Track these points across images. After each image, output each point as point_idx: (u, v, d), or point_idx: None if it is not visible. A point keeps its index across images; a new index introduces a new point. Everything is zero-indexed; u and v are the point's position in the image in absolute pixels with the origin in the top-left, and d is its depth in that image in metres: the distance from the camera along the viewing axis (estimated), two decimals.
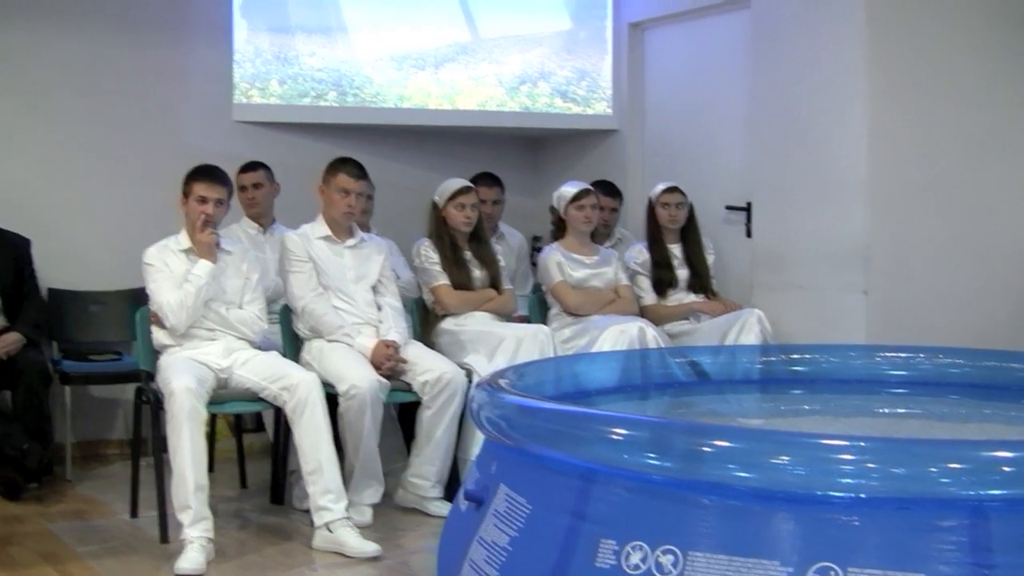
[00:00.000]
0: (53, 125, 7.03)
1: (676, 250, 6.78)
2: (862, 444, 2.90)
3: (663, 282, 6.70)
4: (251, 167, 6.73)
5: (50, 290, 6.86)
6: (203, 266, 5.48)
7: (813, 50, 6.52)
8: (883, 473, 2.82)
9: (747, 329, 6.24)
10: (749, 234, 7.01)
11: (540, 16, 8.11)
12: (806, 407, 5.27)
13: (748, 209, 7.02)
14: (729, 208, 7.14)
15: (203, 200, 5.51)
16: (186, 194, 5.56)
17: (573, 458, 3.30)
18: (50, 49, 7.01)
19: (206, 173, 5.57)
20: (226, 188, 5.63)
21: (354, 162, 5.90)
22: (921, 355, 5.19)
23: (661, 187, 6.79)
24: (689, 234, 6.82)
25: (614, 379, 5.01)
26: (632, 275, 6.69)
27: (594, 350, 5.94)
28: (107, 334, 6.96)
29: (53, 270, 6.83)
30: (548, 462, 3.40)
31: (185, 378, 5.10)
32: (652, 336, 6.03)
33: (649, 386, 5.15)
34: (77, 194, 7.05)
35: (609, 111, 8.14)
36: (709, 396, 5.20)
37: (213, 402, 5.28)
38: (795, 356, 5.38)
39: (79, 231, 7.03)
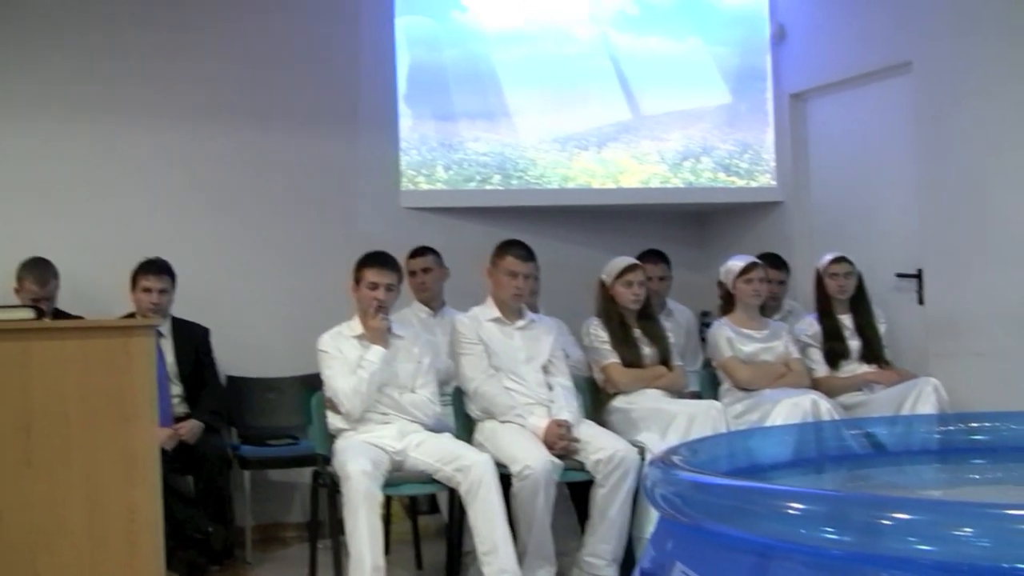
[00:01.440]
0: (229, 218, 7.25)
1: (847, 320, 6.68)
2: None
3: (835, 353, 6.61)
4: (420, 252, 6.86)
5: (228, 377, 7.04)
6: (375, 352, 5.58)
7: (980, 111, 6.44)
8: None
9: (923, 398, 6.11)
10: (921, 301, 6.90)
11: (700, 91, 8.13)
12: (988, 476, 5.13)
13: (919, 276, 6.91)
14: (899, 275, 7.03)
15: (374, 286, 5.63)
16: (357, 280, 5.69)
17: (749, 534, 3.26)
18: (225, 144, 7.25)
19: (376, 259, 5.70)
20: (396, 273, 5.74)
21: (521, 244, 5.97)
22: None
23: (829, 257, 6.72)
24: (859, 304, 6.72)
25: (788, 453, 4.93)
26: (803, 347, 6.61)
27: (767, 424, 5.88)
28: (284, 419, 7.08)
29: (231, 358, 7.01)
30: (724, 539, 3.36)
31: (361, 461, 5.19)
32: (826, 408, 5.95)
33: (824, 459, 5.06)
34: (253, 283, 7.24)
35: (773, 183, 8.11)
36: (886, 468, 5.09)
37: (388, 484, 5.36)
38: (974, 424, 5.23)
39: (256, 319, 7.20)
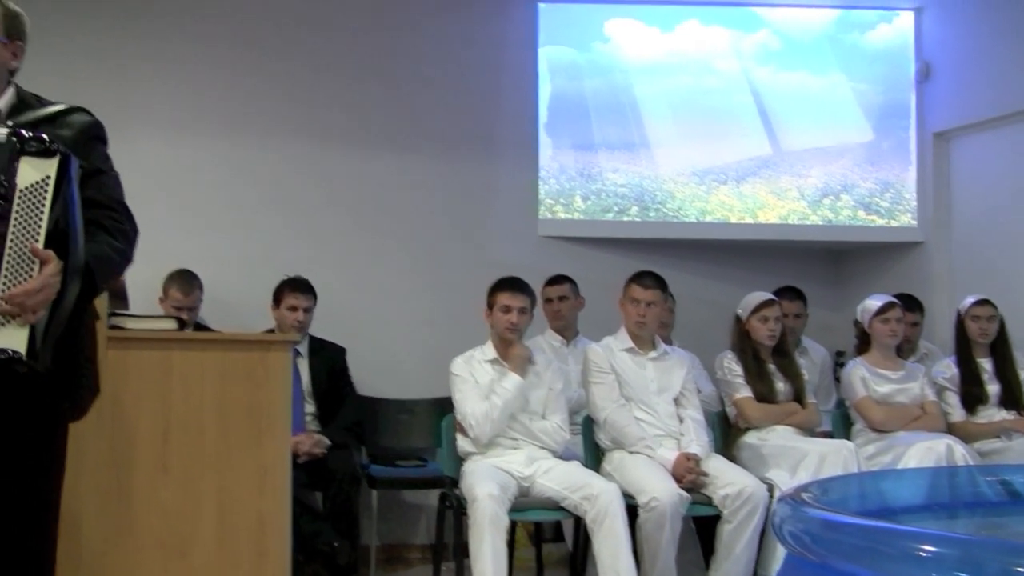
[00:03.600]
0: (369, 239, 7.36)
1: (986, 364, 6.55)
2: None
3: (973, 398, 6.48)
4: (557, 280, 6.90)
5: (361, 396, 7.09)
6: (513, 380, 5.60)
7: None
8: None
9: None
10: None
11: (842, 128, 8.05)
12: None
13: None
14: None
15: (507, 309, 5.67)
16: (491, 305, 5.74)
17: (879, 575, 3.22)
18: (367, 169, 7.37)
19: (509, 283, 5.74)
20: (529, 297, 5.77)
21: (649, 274, 5.98)
22: None
23: (971, 300, 6.60)
24: (1000, 348, 6.58)
25: (920, 497, 4.84)
26: (939, 391, 6.50)
27: (900, 467, 5.80)
28: (414, 440, 7.13)
29: (365, 377, 7.07)
30: None
31: (489, 485, 5.21)
32: (961, 453, 5.83)
33: (957, 505, 4.96)
34: (390, 305, 7.32)
35: (913, 223, 7.98)
36: (1021, 517, 4.98)
37: (514, 510, 5.36)
38: None
39: (391, 341, 7.29)
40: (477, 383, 5.69)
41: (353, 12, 7.43)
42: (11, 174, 2.91)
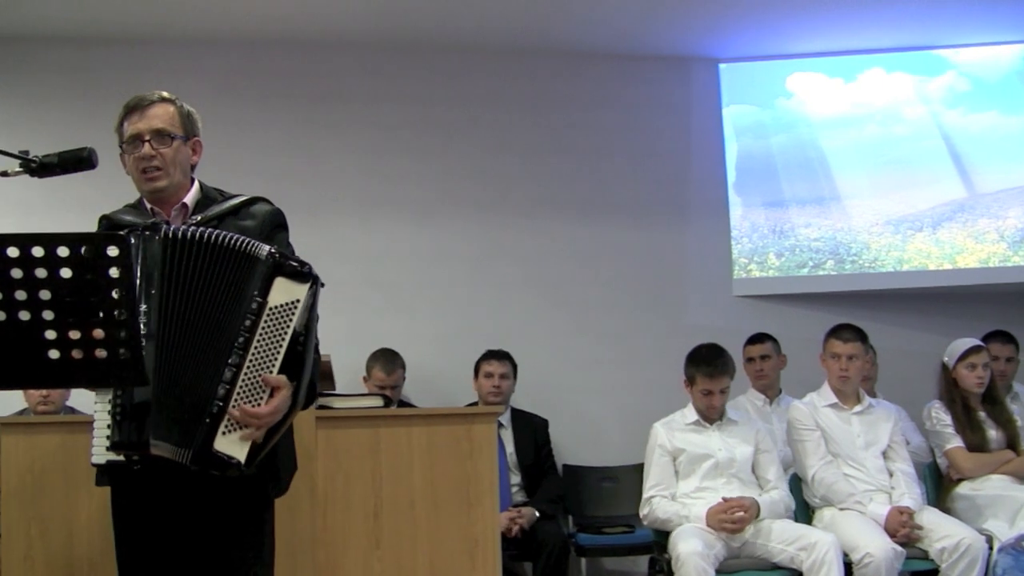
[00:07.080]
0: (564, 310, 7.43)
1: None
2: None
3: None
4: (759, 339, 6.86)
5: (565, 466, 7.14)
6: (697, 518, 5.49)
7: None
8: None
9: None
10: None
11: None
12: None
13: None
14: None
15: (707, 393, 5.64)
16: (690, 383, 5.70)
17: None
18: (560, 241, 7.48)
19: (707, 363, 5.68)
20: (726, 375, 5.70)
21: (847, 327, 5.93)
22: None
23: None
24: None
25: None
26: None
27: None
28: (619, 508, 7.10)
29: (568, 446, 7.12)
30: None
31: (693, 543, 5.21)
32: None
33: None
34: (588, 374, 7.35)
35: None
36: None
37: (725, 572, 5.31)
38: None
39: (591, 409, 7.31)
40: (682, 450, 5.68)
41: (532, 88, 7.56)
42: (264, 292, 3.07)
